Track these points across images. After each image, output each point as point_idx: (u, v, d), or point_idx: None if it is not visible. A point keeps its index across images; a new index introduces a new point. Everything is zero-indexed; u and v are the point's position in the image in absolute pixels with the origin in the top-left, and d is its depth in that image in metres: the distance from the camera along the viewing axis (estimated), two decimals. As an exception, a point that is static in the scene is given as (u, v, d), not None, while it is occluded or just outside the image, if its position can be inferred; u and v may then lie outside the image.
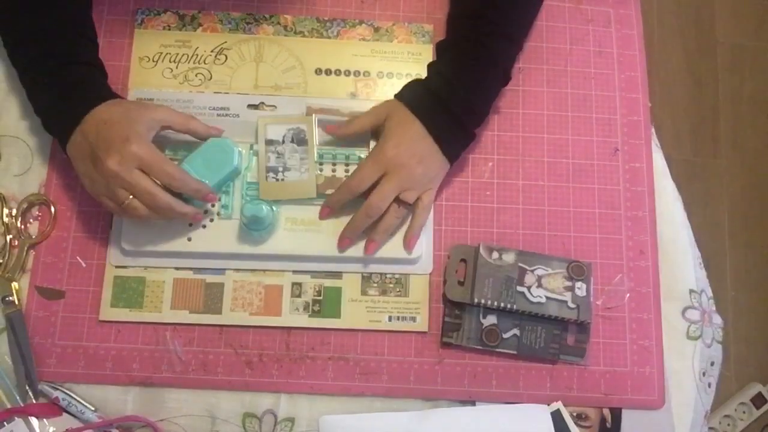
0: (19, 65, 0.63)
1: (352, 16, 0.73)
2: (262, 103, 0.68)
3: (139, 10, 0.71)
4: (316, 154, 0.66)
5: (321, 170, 0.66)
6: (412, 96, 0.65)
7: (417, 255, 0.65)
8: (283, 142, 0.66)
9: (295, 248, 0.64)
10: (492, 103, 0.67)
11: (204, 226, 0.64)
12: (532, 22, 0.70)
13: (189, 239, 0.64)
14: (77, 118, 0.59)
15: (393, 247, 0.65)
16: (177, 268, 0.65)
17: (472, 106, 0.64)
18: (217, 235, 0.64)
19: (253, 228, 0.63)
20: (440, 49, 0.68)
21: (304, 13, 0.73)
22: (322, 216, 0.65)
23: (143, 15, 0.71)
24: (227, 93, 0.69)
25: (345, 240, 0.64)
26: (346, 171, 0.66)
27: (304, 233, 0.65)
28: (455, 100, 0.63)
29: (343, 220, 0.64)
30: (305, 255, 0.64)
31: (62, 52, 0.62)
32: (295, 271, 0.65)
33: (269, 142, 0.66)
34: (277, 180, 0.65)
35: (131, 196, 0.57)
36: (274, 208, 0.64)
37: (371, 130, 0.66)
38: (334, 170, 0.66)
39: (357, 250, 0.64)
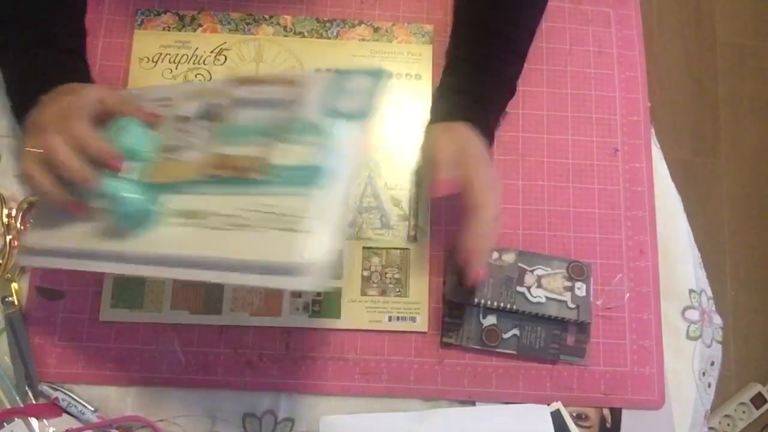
0: None
1: (352, 17, 0.73)
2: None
3: (139, 11, 0.71)
4: (226, 132, 0.53)
5: (219, 149, 0.52)
6: (452, 116, 0.63)
7: (299, 261, 0.44)
8: (192, 119, 0.55)
9: (169, 247, 0.49)
10: (499, 117, 0.67)
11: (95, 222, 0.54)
12: (534, 32, 0.70)
13: (87, 234, 0.53)
14: (34, 97, 0.57)
15: (263, 248, 0.46)
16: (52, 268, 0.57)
17: (485, 123, 0.64)
18: (94, 229, 0.53)
19: (118, 216, 0.51)
20: (452, 61, 0.68)
21: (303, 14, 0.73)
22: (480, 277, 0.58)
23: (143, 15, 0.71)
24: (171, 85, 0.67)
25: (479, 272, 0.58)
26: (248, 149, 0.51)
27: (185, 229, 0.50)
28: (475, 117, 0.63)
29: (225, 207, 0.49)
30: (184, 257, 0.49)
31: (39, 34, 0.62)
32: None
33: (180, 119, 0.56)
34: (167, 159, 0.53)
35: (30, 149, 0.54)
36: (155, 196, 0.52)
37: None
38: (237, 150, 0.51)
39: (235, 250, 0.47)
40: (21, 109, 0.60)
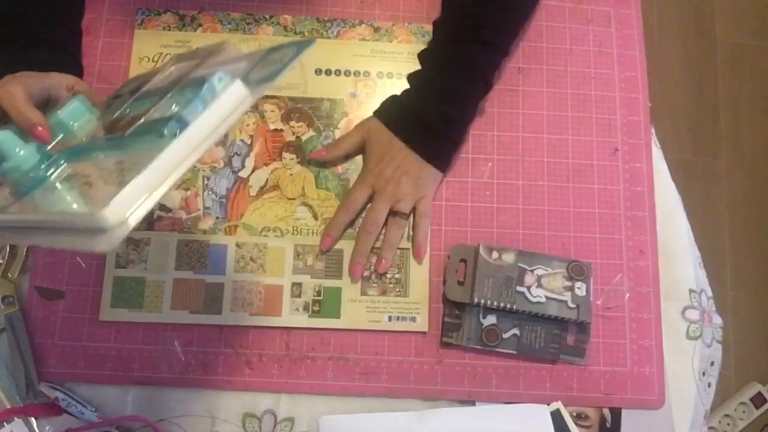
0: None
1: (352, 17, 0.73)
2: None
3: (139, 11, 0.71)
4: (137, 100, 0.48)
5: (123, 112, 0.48)
6: (388, 113, 0.67)
7: (100, 213, 0.34)
8: (123, 96, 0.51)
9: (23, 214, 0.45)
10: (472, 109, 0.68)
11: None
12: (518, 28, 0.70)
13: None
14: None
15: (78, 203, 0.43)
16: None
17: (448, 114, 0.65)
18: None
19: (15, 180, 0.47)
20: (420, 59, 0.70)
21: (304, 14, 0.73)
22: (325, 245, 0.65)
23: (143, 15, 0.71)
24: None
25: (357, 265, 0.65)
26: (147, 111, 0.43)
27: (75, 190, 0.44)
28: (428, 111, 0.65)
29: (88, 167, 0.46)
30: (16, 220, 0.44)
31: (36, 33, 0.61)
32: (294, 271, 0.65)
33: (115, 97, 0.53)
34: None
35: None
36: (50, 163, 0.47)
37: (357, 149, 0.68)
38: (137, 113, 0.45)
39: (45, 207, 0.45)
40: None
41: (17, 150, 0.47)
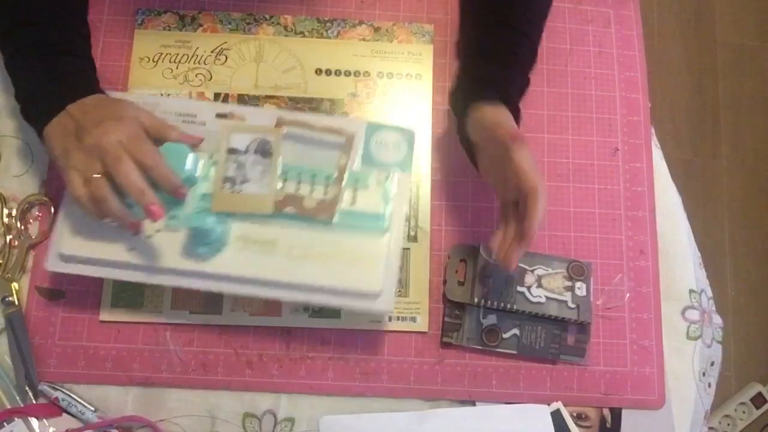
0: (7, 51, 0.61)
1: (352, 16, 0.73)
2: (232, 113, 0.64)
3: (139, 11, 0.71)
4: (280, 169, 0.61)
5: (283, 186, 0.61)
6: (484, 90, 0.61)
7: (376, 289, 0.58)
8: (246, 152, 0.61)
9: (242, 269, 0.58)
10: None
11: (149, 237, 0.59)
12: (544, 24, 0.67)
13: (131, 249, 0.59)
14: (63, 102, 0.57)
15: (349, 278, 0.58)
16: (116, 280, 0.61)
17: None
18: (162, 247, 0.59)
19: (199, 242, 0.58)
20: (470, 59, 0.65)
21: (304, 14, 0.73)
22: (513, 267, 0.57)
23: (143, 15, 0.71)
24: (197, 100, 0.68)
25: (513, 259, 0.56)
26: (311, 191, 0.61)
27: (255, 255, 0.59)
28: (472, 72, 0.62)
29: (298, 239, 0.59)
30: (252, 278, 0.58)
31: (57, 41, 0.61)
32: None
33: (231, 151, 0.61)
34: (233, 191, 0.60)
35: (100, 175, 0.54)
36: (224, 222, 0.59)
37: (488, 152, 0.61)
38: (298, 188, 0.61)
39: (306, 277, 0.58)
40: (41, 116, 0.58)
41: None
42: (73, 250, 0.59)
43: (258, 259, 0.58)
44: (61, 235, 0.59)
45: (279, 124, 0.63)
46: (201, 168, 0.61)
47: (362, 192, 0.61)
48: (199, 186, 0.60)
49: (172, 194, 0.57)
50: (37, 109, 0.59)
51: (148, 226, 0.59)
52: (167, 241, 0.59)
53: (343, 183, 0.61)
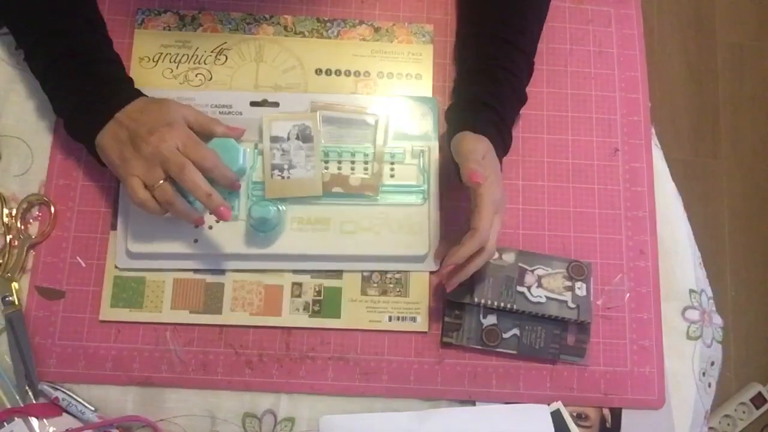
0: (40, 64, 0.62)
1: (352, 16, 0.73)
2: (265, 99, 0.68)
3: (139, 10, 0.71)
4: (321, 152, 0.66)
5: (327, 168, 0.66)
6: (475, 123, 0.62)
7: (423, 252, 0.65)
8: (288, 138, 0.66)
9: (303, 248, 0.64)
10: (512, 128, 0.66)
11: (210, 227, 0.64)
12: (539, 38, 0.69)
13: (195, 241, 0.64)
14: (111, 112, 0.59)
15: (399, 245, 0.65)
16: (184, 270, 0.64)
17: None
18: (224, 236, 0.64)
19: (261, 229, 0.63)
20: (467, 69, 0.67)
21: (304, 13, 0.73)
22: (449, 280, 0.59)
23: (143, 15, 0.71)
24: (229, 90, 0.69)
25: (451, 271, 0.59)
26: (352, 169, 0.66)
27: (311, 233, 0.64)
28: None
29: (348, 215, 0.65)
30: (312, 254, 0.64)
31: (87, 49, 0.62)
32: (295, 271, 0.65)
33: (274, 139, 0.65)
34: (283, 178, 0.65)
35: (163, 180, 0.57)
36: (281, 207, 0.64)
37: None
38: (339, 168, 0.66)
39: (360, 248, 0.64)
40: (90, 127, 0.60)
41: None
42: (141, 247, 0.63)
43: (314, 237, 0.64)
44: (128, 233, 0.64)
45: (313, 108, 0.67)
46: (249, 158, 0.65)
47: (399, 166, 0.67)
48: (249, 175, 0.65)
49: (230, 188, 0.61)
50: (85, 121, 0.61)
51: (208, 218, 0.63)
52: (229, 229, 0.64)
53: (382, 159, 0.66)
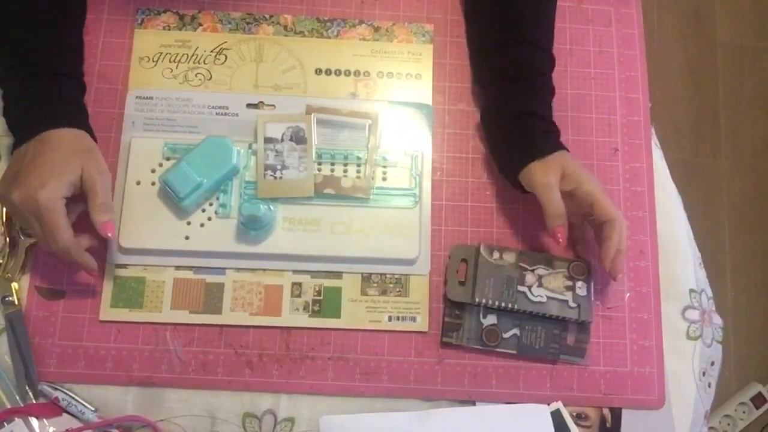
0: None
1: (352, 16, 0.73)
2: (262, 102, 0.69)
3: (139, 10, 0.71)
4: (314, 153, 0.66)
5: (319, 169, 0.66)
6: (540, 145, 0.64)
7: (413, 256, 0.65)
8: (282, 140, 0.66)
9: (293, 247, 0.64)
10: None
11: (202, 225, 0.65)
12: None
13: (187, 238, 0.64)
14: (33, 134, 0.59)
15: (389, 248, 0.65)
16: (176, 267, 0.65)
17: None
18: (215, 233, 0.64)
19: (251, 227, 0.63)
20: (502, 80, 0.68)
21: (304, 13, 0.73)
22: (617, 270, 0.63)
23: (143, 15, 0.71)
24: (227, 92, 0.69)
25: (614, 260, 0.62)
26: (345, 172, 0.67)
27: (302, 233, 0.65)
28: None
29: (339, 217, 0.65)
30: (304, 255, 0.65)
31: (35, 62, 0.61)
32: (295, 271, 0.65)
33: (268, 140, 0.66)
34: (275, 178, 0.65)
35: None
36: (272, 207, 0.64)
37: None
38: (332, 169, 0.67)
39: (351, 249, 0.65)
40: (13, 141, 0.61)
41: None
42: (133, 243, 0.64)
43: (305, 237, 0.65)
44: (120, 229, 0.64)
45: (308, 111, 0.68)
46: (243, 158, 0.66)
47: (392, 169, 0.67)
48: (242, 174, 0.66)
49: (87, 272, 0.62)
50: (12, 132, 0.61)
51: (200, 215, 0.65)
52: (220, 227, 0.65)
53: (374, 162, 0.67)
